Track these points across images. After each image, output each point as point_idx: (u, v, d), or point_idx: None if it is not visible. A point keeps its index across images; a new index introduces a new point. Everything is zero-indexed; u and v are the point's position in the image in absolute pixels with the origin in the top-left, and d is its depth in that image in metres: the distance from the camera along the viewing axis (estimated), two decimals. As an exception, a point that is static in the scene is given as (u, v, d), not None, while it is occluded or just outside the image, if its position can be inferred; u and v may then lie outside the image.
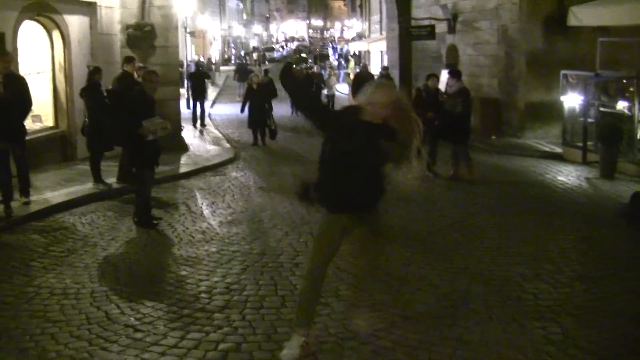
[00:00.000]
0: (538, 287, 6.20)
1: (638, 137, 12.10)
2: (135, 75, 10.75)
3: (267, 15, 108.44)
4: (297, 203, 9.45)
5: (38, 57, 12.63)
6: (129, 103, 8.58)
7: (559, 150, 14.31)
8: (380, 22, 38.68)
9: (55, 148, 12.74)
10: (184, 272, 6.74)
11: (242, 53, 66.60)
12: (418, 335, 5.08)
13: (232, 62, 61.56)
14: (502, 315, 5.52)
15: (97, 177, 10.55)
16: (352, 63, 45.98)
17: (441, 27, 20.25)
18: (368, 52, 42.84)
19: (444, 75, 14.22)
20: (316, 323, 5.10)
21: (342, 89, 32.25)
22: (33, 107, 9.53)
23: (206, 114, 21.61)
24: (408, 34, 21.74)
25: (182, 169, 12.80)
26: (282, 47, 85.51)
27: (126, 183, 10.40)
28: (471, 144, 12.16)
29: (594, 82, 13.30)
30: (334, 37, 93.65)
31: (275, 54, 70.47)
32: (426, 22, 20.79)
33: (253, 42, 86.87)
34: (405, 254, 7.24)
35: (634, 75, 12.41)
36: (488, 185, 11.31)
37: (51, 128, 12.88)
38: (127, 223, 8.69)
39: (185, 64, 28.14)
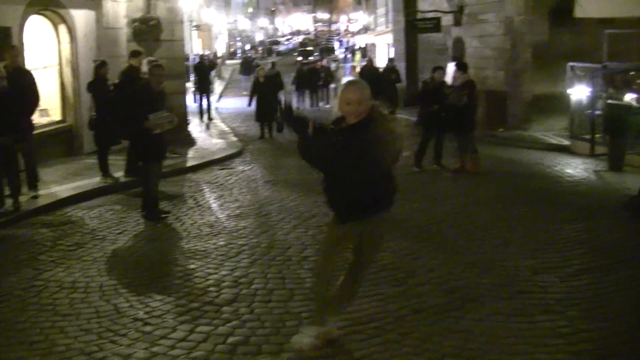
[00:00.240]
0: (545, 279, 6.18)
1: (646, 129, 12.03)
2: (145, 68, 10.76)
3: (273, 9, 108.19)
4: (304, 196, 9.59)
5: (45, 51, 12.66)
6: (130, 97, 8.59)
7: (566, 142, 14.25)
8: (387, 14, 38.55)
9: (62, 142, 12.80)
10: (192, 266, 6.76)
11: (248, 47, 66.54)
12: (426, 328, 5.09)
13: (238, 55, 61.49)
14: (510, 308, 5.50)
15: (105, 171, 10.60)
16: (357, 56, 45.88)
17: (447, 20, 20.17)
18: (374, 44, 42.71)
19: (452, 68, 14.17)
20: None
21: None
22: (40, 102, 9.56)
23: (212, 107, 21.60)
24: (414, 27, 21.65)
25: (189, 163, 12.82)
26: (288, 40, 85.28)
27: (134, 177, 10.44)
28: (478, 136, 12.11)
29: (601, 73, 13.23)
30: (339, 30, 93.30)
31: (281, 48, 70.35)
32: (432, 15, 20.73)
33: (259, 36, 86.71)
34: (413, 247, 7.23)
35: (641, 67, 12.35)
36: (495, 177, 11.28)
37: (58, 122, 12.93)
38: (135, 217, 8.72)
39: (190, 57, 28.12)
